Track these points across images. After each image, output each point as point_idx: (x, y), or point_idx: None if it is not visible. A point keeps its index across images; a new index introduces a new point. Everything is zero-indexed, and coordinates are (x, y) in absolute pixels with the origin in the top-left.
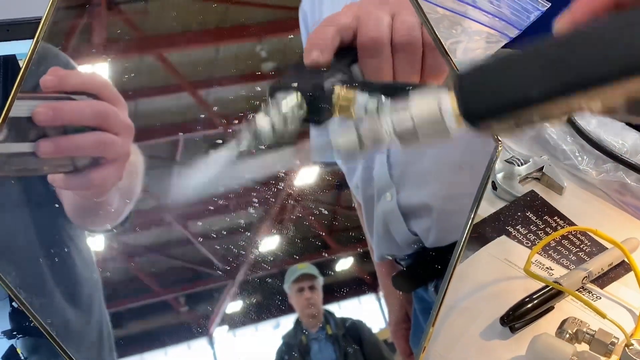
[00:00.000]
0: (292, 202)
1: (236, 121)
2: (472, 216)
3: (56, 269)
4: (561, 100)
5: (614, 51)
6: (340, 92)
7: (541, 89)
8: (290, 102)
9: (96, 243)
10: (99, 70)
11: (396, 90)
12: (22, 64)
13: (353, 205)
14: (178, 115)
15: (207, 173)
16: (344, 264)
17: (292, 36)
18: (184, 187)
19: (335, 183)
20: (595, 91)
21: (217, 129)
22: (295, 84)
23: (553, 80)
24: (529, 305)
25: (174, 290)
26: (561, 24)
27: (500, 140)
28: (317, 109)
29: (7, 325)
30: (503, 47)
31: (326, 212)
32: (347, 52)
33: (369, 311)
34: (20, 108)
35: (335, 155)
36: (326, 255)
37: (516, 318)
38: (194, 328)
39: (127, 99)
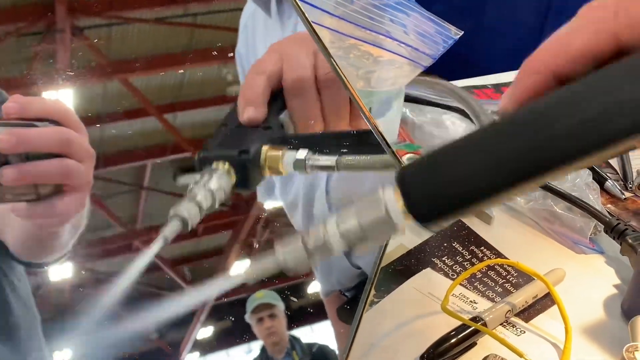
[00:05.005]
0: (260, 226)
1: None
2: (382, 248)
3: None
4: (518, 188)
5: (561, 135)
6: (266, 152)
7: (495, 180)
8: (218, 176)
9: (57, 272)
10: (62, 95)
11: (323, 140)
12: None
13: None
14: (145, 140)
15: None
16: (313, 288)
17: None
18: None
19: None
20: (551, 174)
21: (184, 153)
22: (221, 153)
23: (507, 170)
24: (452, 341)
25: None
26: (504, 103)
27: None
28: (246, 173)
29: None
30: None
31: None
32: (277, 96)
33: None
34: None
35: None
36: (291, 280)
37: (437, 356)
38: (165, 355)
39: (93, 124)
